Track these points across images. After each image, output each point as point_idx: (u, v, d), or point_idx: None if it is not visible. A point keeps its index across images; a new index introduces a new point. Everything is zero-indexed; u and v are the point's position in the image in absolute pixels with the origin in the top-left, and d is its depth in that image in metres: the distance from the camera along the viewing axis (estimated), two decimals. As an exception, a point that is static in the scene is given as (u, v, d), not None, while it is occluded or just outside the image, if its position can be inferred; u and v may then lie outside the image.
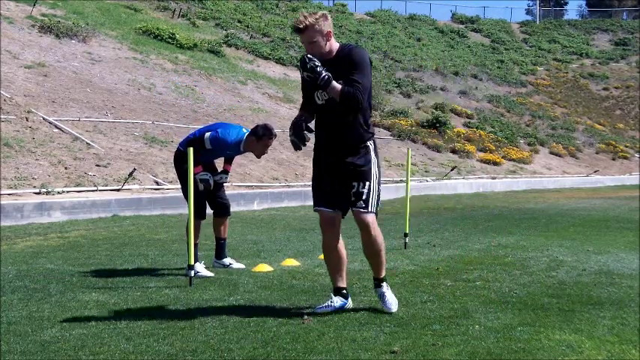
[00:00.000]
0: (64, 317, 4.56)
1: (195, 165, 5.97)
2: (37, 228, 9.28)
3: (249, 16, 34.13)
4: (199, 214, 6.38)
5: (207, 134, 6.31)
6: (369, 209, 4.64)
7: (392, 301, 4.83)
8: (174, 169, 7.41)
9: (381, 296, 4.85)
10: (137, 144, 14.62)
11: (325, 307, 4.72)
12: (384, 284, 4.88)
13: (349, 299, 4.85)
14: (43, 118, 14.01)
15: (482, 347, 3.96)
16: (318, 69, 4.49)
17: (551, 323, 4.54)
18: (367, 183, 4.64)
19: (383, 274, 4.89)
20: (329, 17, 4.62)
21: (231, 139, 6.32)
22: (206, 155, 6.38)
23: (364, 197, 4.62)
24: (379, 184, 4.76)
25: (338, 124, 4.64)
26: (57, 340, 4.04)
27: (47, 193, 10.93)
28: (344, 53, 4.60)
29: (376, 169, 4.72)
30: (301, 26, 4.51)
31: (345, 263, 4.85)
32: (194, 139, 6.36)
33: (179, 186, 12.84)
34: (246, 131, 6.50)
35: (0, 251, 7.32)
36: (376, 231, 4.70)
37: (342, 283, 4.82)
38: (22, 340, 4.03)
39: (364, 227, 4.69)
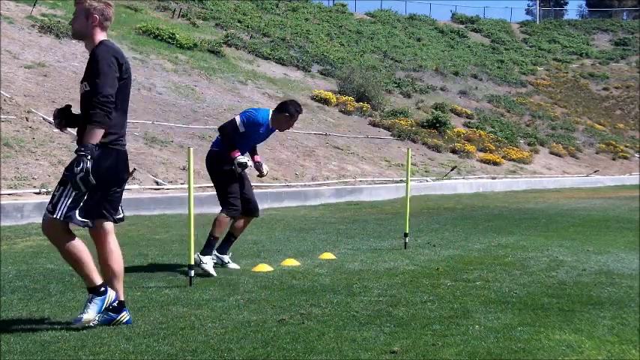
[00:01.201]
0: (64, 317, 4.56)
1: (232, 150, 6.26)
2: (37, 228, 9.26)
3: (249, 16, 34.12)
4: (236, 211, 6.46)
5: (238, 118, 6.41)
6: (54, 214, 4.19)
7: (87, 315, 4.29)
8: (206, 171, 7.30)
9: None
10: (137, 144, 14.62)
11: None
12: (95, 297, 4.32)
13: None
14: (43, 118, 14.01)
15: (482, 347, 3.96)
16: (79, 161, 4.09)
17: (551, 323, 4.54)
18: (60, 187, 4.21)
19: (95, 282, 4.33)
20: (111, 6, 4.38)
21: (262, 118, 6.45)
22: (241, 143, 6.42)
23: (54, 200, 4.22)
24: (85, 194, 4.19)
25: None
26: (57, 340, 4.04)
27: (47, 193, 10.93)
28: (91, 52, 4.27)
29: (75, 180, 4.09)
30: None
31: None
32: (227, 125, 6.41)
33: (181, 186, 12.89)
34: (265, 114, 6.57)
35: (0, 251, 7.32)
36: (50, 232, 4.27)
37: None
38: (22, 340, 4.03)
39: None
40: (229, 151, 6.27)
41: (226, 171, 6.37)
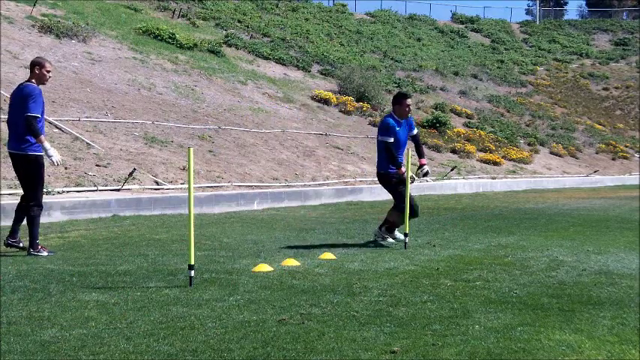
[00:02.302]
0: (64, 317, 4.56)
1: (400, 166, 7.98)
2: (37, 228, 9.26)
3: (249, 16, 34.13)
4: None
5: (382, 136, 7.95)
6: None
7: None
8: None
9: None
10: (137, 144, 14.62)
11: None
12: None
13: None
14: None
15: (482, 347, 3.96)
16: None
17: (551, 323, 4.54)
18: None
19: None
20: None
21: (390, 121, 7.99)
22: (397, 151, 8.06)
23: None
24: None
25: None
26: (57, 340, 4.04)
27: (47, 193, 10.93)
28: None
29: None
30: None
31: None
32: (384, 149, 7.97)
33: (181, 186, 12.89)
34: (387, 116, 8.14)
35: (0, 251, 7.32)
36: None
37: None
38: (22, 340, 4.03)
39: None
40: (398, 167, 7.98)
41: (396, 182, 8.12)
